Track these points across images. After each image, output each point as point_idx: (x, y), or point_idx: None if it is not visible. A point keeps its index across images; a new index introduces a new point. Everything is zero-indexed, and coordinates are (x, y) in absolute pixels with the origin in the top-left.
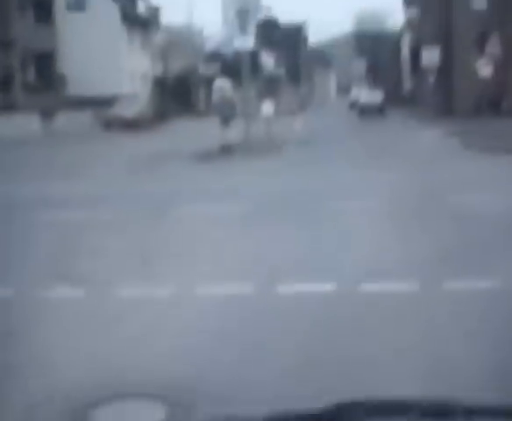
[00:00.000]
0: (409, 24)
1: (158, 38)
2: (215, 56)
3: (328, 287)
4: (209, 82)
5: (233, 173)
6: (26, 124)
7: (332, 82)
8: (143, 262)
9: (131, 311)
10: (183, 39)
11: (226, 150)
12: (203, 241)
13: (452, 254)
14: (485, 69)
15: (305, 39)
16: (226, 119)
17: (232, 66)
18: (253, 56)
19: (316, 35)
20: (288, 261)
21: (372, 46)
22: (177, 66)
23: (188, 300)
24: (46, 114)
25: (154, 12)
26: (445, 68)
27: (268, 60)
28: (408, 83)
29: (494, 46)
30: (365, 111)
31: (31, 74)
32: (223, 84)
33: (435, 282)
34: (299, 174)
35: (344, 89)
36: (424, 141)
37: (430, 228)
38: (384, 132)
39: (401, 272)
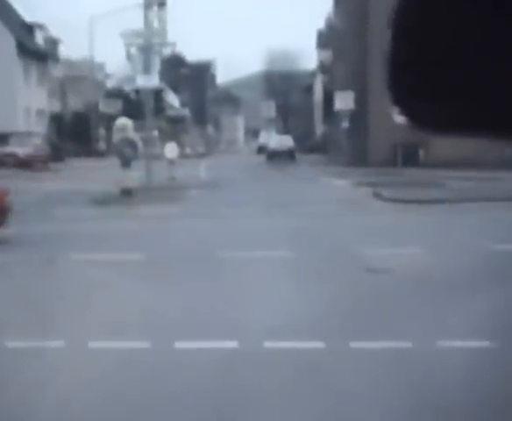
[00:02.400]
0: (323, 66)
1: (56, 72)
2: (116, 93)
3: None
4: (109, 120)
5: (132, 217)
6: None
7: (240, 124)
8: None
9: (22, 360)
10: (83, 74)
11: (126, 193)
12: (97, 289)
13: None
14: (400, 116)
15: (213, 78)
16: (127, 161)
17: (135, 104)
18: (157, 95)
19: (224, 74)
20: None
21: (282, 87)
22: (76, 102)
23: (82, 353)
24: None
25: (53, 45)
26: (360, 113)
27: (173, 100)
28: (320, 128)
29: None
30: (274, 157)
31: None
32: (124, 123)
33: None
34: (199, 220)
35: (252, 132)
36: (334, 191)
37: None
38: (293, 180)
39: None
